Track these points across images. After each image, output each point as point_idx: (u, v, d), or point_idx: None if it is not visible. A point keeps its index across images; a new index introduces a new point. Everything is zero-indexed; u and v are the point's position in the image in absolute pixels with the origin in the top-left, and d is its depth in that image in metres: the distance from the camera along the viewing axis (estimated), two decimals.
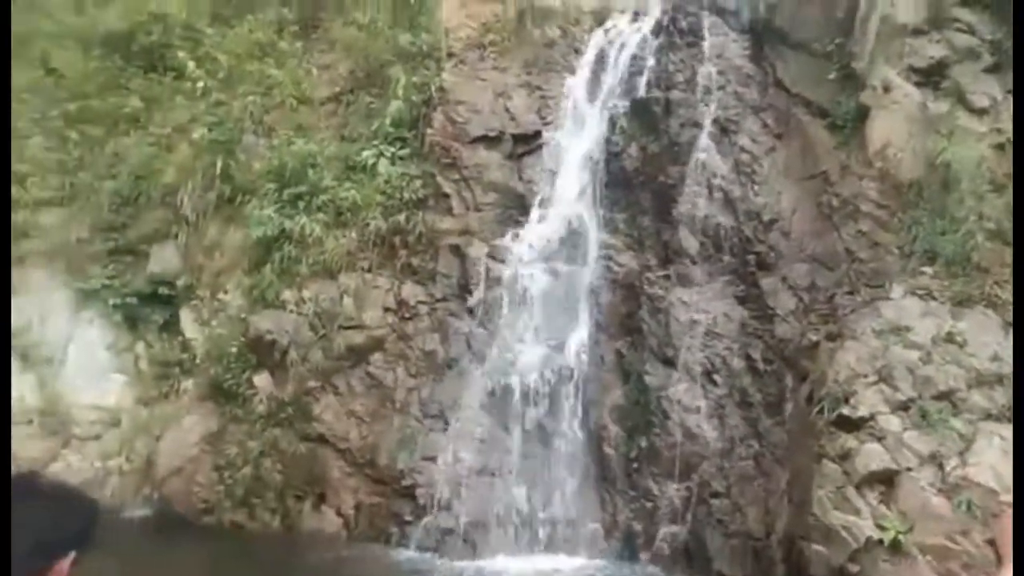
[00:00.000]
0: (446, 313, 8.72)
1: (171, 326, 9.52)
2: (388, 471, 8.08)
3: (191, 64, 10.31)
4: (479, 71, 9.96)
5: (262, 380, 8.54)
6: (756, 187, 8.51)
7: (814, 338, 7.55)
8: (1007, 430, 6.36)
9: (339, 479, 8.15)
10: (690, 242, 8.52)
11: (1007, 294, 7.27)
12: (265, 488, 8.13)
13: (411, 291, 8.75)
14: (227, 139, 9.74)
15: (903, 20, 8.42)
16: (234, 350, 8.63)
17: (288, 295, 8.67)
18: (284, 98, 10.12)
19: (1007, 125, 8.27)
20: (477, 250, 8.83)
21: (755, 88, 9.16)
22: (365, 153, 9.30)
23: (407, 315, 8.64)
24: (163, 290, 9.61)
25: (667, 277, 8.54)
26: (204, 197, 9.81)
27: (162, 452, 8.52)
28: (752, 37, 9.46)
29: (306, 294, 8.63)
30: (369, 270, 8.79)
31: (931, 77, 8.30)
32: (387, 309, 8.66)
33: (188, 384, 9.04)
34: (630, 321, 8.49)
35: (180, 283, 9.54)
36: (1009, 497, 5.88)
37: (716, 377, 7.98)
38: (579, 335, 8.51)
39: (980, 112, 8.30)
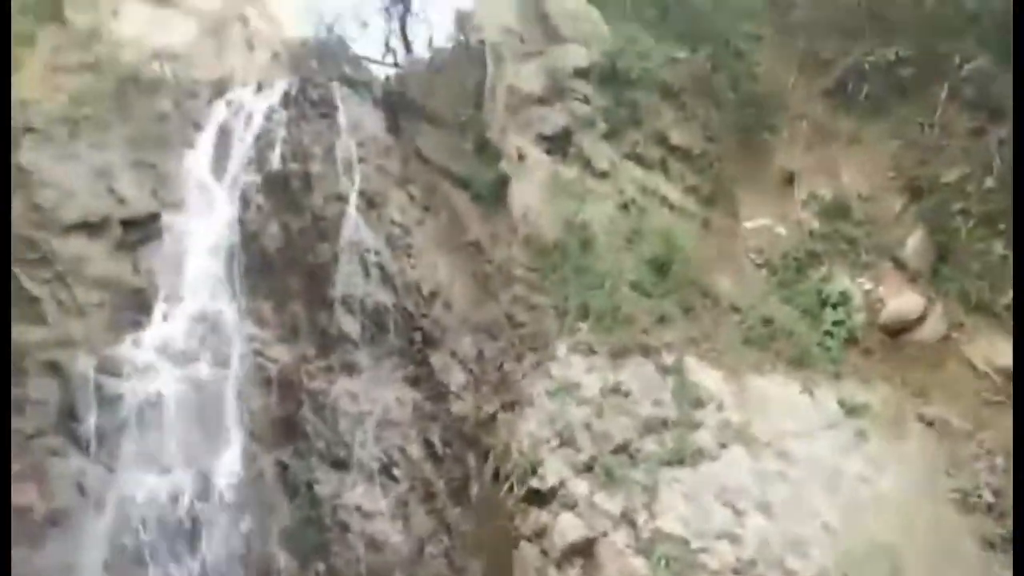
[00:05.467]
0: (45, 453, 6.73)
1: None
2: None
3: None
4: (71, 148, 8.22)
5: None
6: (412, 260, 8.05)
7: (490, 410, 7.16)
8: (681, 472, 6.45)
9: None
10: (351, 325, 7.72)
11: (655, 341, 7.57)
12: None
13: None
14: None
15: (527, 90, 8.73)
16: None
17: None
18: None
19: (627, 186, 8.88)
20: (83, 364, 7.02)
21: (396, 160, 8.85)
22: None
23: None
24: None
25: (329, 368, 7.63)
26: None
27: None
28: (387, 109, 9.19)
29: None
30: None
31: (558, 144, 8.64)
32: None
33: None
34: (291, 424, 7.36)
35: None
36: (700, 543, 5.88)
37: (395, 471, 7.18)
38: (230, 452, 7.12)
39: (603, 175, 8.79)
